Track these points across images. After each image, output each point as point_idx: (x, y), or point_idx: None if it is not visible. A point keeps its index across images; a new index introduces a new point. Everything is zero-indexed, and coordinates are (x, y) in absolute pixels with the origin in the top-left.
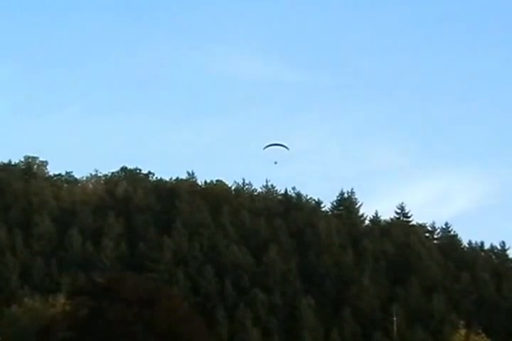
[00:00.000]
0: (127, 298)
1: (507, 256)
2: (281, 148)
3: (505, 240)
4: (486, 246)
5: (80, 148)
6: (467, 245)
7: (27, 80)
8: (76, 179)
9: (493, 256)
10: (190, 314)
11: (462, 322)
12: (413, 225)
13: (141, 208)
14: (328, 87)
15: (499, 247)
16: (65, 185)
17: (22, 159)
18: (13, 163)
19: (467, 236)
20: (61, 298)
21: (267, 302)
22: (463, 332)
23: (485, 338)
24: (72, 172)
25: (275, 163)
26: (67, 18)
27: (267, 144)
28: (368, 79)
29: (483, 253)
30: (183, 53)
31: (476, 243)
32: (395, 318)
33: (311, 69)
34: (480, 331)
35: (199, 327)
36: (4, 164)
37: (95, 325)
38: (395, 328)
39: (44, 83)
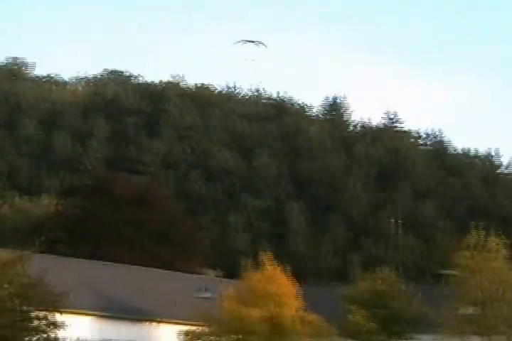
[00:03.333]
0: (120, 197)
1: (500, 162)
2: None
3: (498, 147)
4: (479, 153)
5: (68, 51)
6: (460, 152)
7: None
8: (64, 81)
9: (487, 163)
10: (183, 215)
11: (482, 223)
12: (404, 131)
13: (129, 111)
14: None
15: (493, 154)
16: (53, 86)
17: (8, 60)
18: None
19: (459, 143)
20: (51, 199)
21: (257, 207)
22: (482, 233)
23: (504, 239)
24: (59, 74)
25: (252, 60)
26: None
27: (244, 40)
28: None
29: (476, 160)
30: None
31: (468, 149)
32: (400, 221)
33: None
34: (500, 232)
35: (192, 229)
36: None
37: (87, 225)
38: (399, 232)
39: None
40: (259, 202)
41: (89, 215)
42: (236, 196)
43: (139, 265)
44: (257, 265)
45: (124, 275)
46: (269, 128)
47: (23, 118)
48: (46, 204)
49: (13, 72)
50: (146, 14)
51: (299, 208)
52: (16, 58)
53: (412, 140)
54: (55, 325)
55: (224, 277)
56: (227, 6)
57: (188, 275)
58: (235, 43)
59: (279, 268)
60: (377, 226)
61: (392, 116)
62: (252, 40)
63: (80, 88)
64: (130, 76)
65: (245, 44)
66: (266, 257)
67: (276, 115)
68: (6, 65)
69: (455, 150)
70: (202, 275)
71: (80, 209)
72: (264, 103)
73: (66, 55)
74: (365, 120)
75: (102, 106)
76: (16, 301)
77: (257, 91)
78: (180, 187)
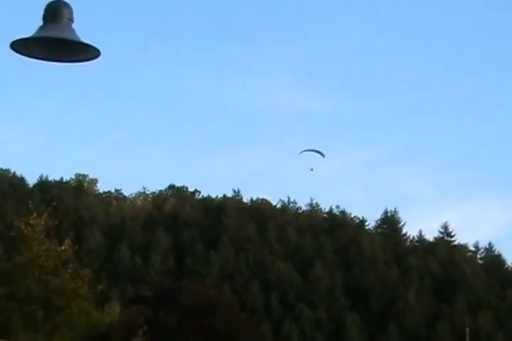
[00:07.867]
0: (185, 305)
1: None
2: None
3: None
4: None
5: (129, 168)
6: (511, 265)
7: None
8: (125, 196)
9: None
10: (249, 322)
11: None
12: (456, 245)
13: (188, 224)
14: (363, 116)
15: None
16: (115, 201)
17: (73, 176)
18: (64, 180)
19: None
20: (117, 307)
21: (312, 318)
22: None
23: None
24: (121, 189)
25: (311, 170)
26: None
27: (304, 149)
28: (403, 109)
29: None
30: (228, 85)
31: None
32: (467, 329)
33: (347, 100)
34: None
35: (258, 337)
36: (56, 181)
37: (153, 334)
38: None
39: (92, 111)
40: (314, 312)
41: (155, 323)
42: (291, 307)
43: None
44: None
45: None
46: (324, 240)
47: (86, 232)
48: (109, 313)
49: (77, 188)
50: (203, 139)
51: (354, 319)
52: (80, 175)
53: (464, 252)
54: None
55: None
56: (279, 120)
57: None
58: (300, 153)
59: None
60: (434, 337)
61: (447, 230)
62: (313, 149)
63: (140, 202)
64: (189, 191)
65: (303, 154)
66: None
67: (330, 228)
68: (70, 181)
69: (506, 264)
70: None
71: (145, 317)
72: (318, 216)
73: (127, 172)
74: (418, 233)
75: (162, 220)
76: None
77: (311, 204)
78: (237, 297)
